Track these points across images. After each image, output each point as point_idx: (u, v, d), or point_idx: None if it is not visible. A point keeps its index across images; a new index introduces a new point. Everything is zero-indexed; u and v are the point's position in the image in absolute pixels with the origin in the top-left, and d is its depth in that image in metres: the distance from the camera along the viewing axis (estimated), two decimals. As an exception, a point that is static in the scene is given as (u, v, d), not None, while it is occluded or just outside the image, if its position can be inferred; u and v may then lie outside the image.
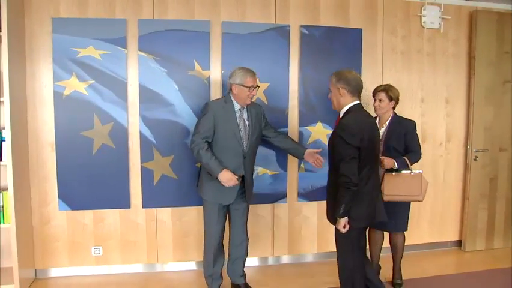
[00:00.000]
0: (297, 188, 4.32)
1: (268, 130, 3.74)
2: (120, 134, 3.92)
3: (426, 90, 4.60)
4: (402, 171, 3.60)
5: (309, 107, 4.24)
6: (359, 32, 4.32)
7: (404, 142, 3.67)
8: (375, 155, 3.14)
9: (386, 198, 3.57)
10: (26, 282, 3.77)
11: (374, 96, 3.76)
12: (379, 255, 4.00)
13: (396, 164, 3.56)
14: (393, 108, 3.74)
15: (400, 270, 3.94)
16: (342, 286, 3.19)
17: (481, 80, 4.61)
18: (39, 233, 3.95)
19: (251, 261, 4.24)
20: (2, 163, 3.50)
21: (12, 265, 3.56)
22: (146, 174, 4.00)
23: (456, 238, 4.89)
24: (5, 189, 3.55)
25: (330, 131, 3.80)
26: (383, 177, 3.59)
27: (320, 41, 4.21)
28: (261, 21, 4.10)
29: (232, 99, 3.44)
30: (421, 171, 3.66)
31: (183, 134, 3.99)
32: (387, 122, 3.71)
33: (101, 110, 3.87)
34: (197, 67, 3.98)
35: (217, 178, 3.34)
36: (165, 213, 4.13)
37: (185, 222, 4.17)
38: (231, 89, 3.43)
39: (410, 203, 3.77)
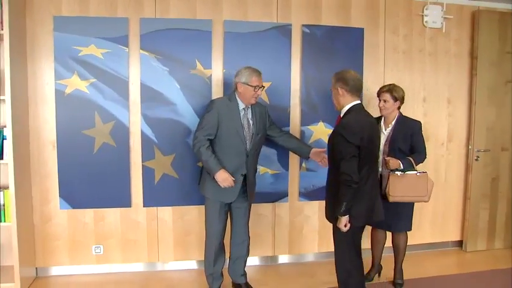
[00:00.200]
0: (298, 187, 4.32)
1: (273, 130, 3.74)
2: (121, 132, 3.92)
3: (428, 90, 4.59)
4: (408, 172, 3.59)
5: (311, 107, 4.23)
6: (360, 31, 4.31)
7: (410, 143, 3.66)
8: (375, 154, 3.15)
9: (391, 199, 3.57)
10: (26, 281, 3.77)
11: (378, 96, 3.74)
12: (381, 255, 4.00)
13: (401, 164, 3.56)
14: (399, 108, 3.73)
15: (401, 270, 3.93)
16: (340, 286, 3.19)
17: (482, 80, 4.60)
18: (40, 232, 3.95)
19: (252, 261, 4.23)
20: (3, 161, 3.50)
21: (13, 263, 3.56)
22: (147, 173, 4.00)
23: (457, 238, 4.88)
24: (6, 187, 3.55)
25: (331, 131, 3.79)
26: (388, 178, 3.59)
27: (321, 40, 4.21)
28: (263, 20, 4.10)
29: (237, 97, 3.44)
30: (426, 172, 3.65)
31: (184, 133, 3.99)
32: (393, 123, 3.69)
33: (103, 108, 3.86)
34: (199, 66, 3.97)
35: (214, 177, 3.35)
36: (166, 212, 4.13)
37: (186, 221, 4.17)
38: (236, 88, 3.42)
39: (413, 203, 3.76)
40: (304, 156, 3.82)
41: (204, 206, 3.64)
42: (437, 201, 4.66)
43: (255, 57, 4.00)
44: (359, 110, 3.03)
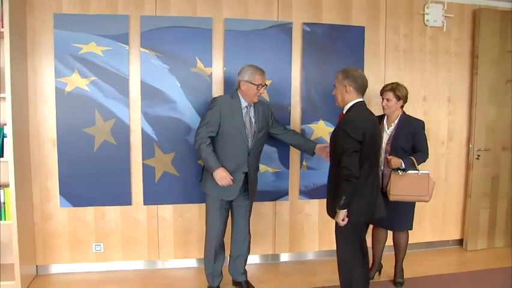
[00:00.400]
0: (299, 185, 4.32)
1: (276, 128, 3.73)
2: (122, 130, 3.92)
3: (428, 89, 4.59)
4: (409, 171, 3.59)
5: (311, 105, 4.23)
6: (361, 29, 4.31)
7: (412, 142, 3.66)
8: (376, 152, 3.15)
9: (392, 198, 3.57)
10: (27, 279, 3.77)
11: (381, 95, 3.74)
12: (381, 254, 4.00)
13: (403, 164, 3.55)
14: (402, 107, 3.73)
15: (402, 269, 3.93)
16: (341, 283, 3.19)
17: (483, 79, 4.60)
18: (40, 230, 3.95)
19: (252, 259, 4.24)
20: (3, 159, 3.50)
21: (13, 261, 3.56)
22: (147, 171, 4.00)
23: (458, 237, 4.89)
24: (7, 185, 3.55)
25: (332, 129, 3.79)
26: (389, 177, 3.59)
27: (322, 39, 4.20)
28: (264, 18, 4.10)
29: (240, 95, 3.44)
30: (428, 172, 3.65)
31: (185, 131, 3.99)
32: (396, 122, 3.69)
33: (103, 106, 3.86)
34: (199, 64, 3.97)
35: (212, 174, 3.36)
36: (166, 210, 4.13)
37: (187, 219, 4.16)
38: (239, 86, 3.42)
39: (415, 202, 3.76)
40: (309, 152, 3.79)
41: (204, 204, 3.63)
42: (437, 200, 4.66)
43: (255, 55, 3.99)
44: (361, 107, 3.05)
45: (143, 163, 3.98)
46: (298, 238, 4.42)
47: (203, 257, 3.67)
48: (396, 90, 3.64)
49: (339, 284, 3.22)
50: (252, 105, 3.47)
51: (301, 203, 4.38)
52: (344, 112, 3.09)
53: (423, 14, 4.48)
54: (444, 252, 4.75)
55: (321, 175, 4.16)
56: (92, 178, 3.91)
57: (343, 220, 2.94)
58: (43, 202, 3.92)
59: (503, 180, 4.80)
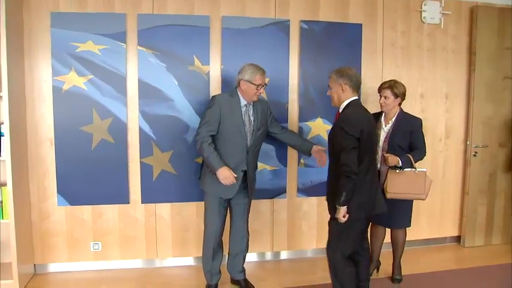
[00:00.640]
0: (297, 183, 4.32)
1: (274, 127, 3.73)
2: (119, 129, 3.91)
3: (426, 86, 4.59)
4: (406, 169, 3.59)
5: (309, 102, 4.23)
6: (358, 27, 4.31)
7: (410, 140, 3.66)
8: (373, 149, 3.22)
9: (389, 195, 3.57)
10: (25, 278, 3.76)
11: (379, 92, 3.73)
12: (380, 251, 4.01)
13: (400, 161, 3.55)
14: (400, 104, 3.72)
15: (400, 265, 3.94)
16: (333, 282, 3.22)
17: (481, 76, 4.60)
18: (38, 229, 3.94)
19: (250, 257, 4.23)
20: (0, 158, 3.49)
21: (11, 260, 3.56)
22: (145, 170, 3.99)
23: (455, 234, 4.90)
24: (4, 184, 3.54)
25: (329, 127, 3.78)
26: (386, 175, 3.60)
27: (319, 36, 4.20)
28: (261, 16, 4.09)
29: (239, 94, 3.43)
30: (425, 170, 3.65)
31: (182, 129, 3.98)
32: (393, 119, 3.69)
33: (101, 105, 3.85)
34: (197, 62, 3.96)
35: (215, 174, 3.35)
36: (164, 209, 4.12)
37: (185, 217, 4.16)
38: (238, 84, 3.41)
39: (412, 199, 3.76)
40: (306, 153, 3.81)
41: (202, 202, 3.63)
42: (435, 197, 4.66)
43: (253, 53, 3.99)
44: (357, 105, 3.10)
45: (141, 161, 3.98)
46: (297, 236, 4.43)
47: (201, 255, 3.66)
48: (394, 88, 3.64)
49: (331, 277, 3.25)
50: (251, 103, 3.47)
51: (299, 201, 4.38)
52: (340, 111, 3.12)
53: (421, 11, 4.48)
54: (441, 249, 4.76)
55: (319, 173, 4.17)
56: (89, 177, 3.90)
57: (344, 217, 2.95)
58: (41, 201, 3.92)
59: (501, 177, 4.81)
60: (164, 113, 3.95)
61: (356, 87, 3.10)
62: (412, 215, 3.84)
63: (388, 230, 3.93)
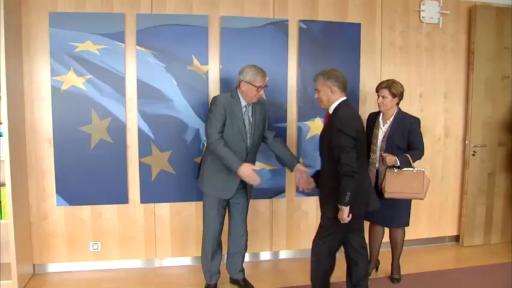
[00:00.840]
0: (296, 183, 4.31)
1: (268, 133, 3.67)
2: (118, 129, 3.91)
3: (424, 86, 4.59)
4: (404, 169, 3.59)
5: (308, 102, 4.23)
6: (357, 26, 4.31)
7: (408, 139, 3.66)
8: (365, 147, 3.27)
9: (387, 195, 3.58)
10: (24, 278, 3.76)
11: (377, 92, 3.72)
12: (378, 251, 4.01)
13: (398, 161, 3.55)
14: (398, 104, 3.72)
15: (399, 265, 3.95)
16: (313, 275, 3.28)
17: (479, 75, 4.60)
18: (37, 229, 3.94)
19: (250, 257, 4.25)
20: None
21: (10, 261, 3.56)
22: (144, 170, 3.99)
23: (454, 233, 4.90)
24: (3, 184, 3.54)
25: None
26: (384, 174, 3.60)
27: (318, 36, 4.20)
28: (260, 16, 4.09)
29: (239, 95, 3.42)
30: (424, 169, 3.66)
31: (181, 129, 3.98)
32: (391, 119, 3.69)
33: (99, 105, 3.85)
34: (195, 62, 3.96)
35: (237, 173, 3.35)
36: (163, 209, 4.12)
37: (184, 217, 4.16)
38: (239, 85, 3.40)
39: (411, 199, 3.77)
40: (289, 167, 3.68)
41: (201, 202, 3.62)
42: (434, 197, 4.67)
43: (251, 53, 3.99)
44: (348, 105, 3.14)
45: (139, 161, 3.98)
46: (296, 235, 4.43)
47: (200, 255, 3.67)
48: (391, 87, 3.63)
49: (337, 281, 3.27)
50: (250, 104, 3.46)
51: (298, 200, 4.38)
52: (331, 112, 3.16)
53: (419, 11, 4.48)
54: (440, 249, 4.76)
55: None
56: (88, 177, 3.90)
57: (348, 216, 2.99)
58: (40, 201, 3.92)
59: (500, 176, 4.82)
60: (163, 112, 3.95)
61: (344, 87, 3.15)
62: (411, 215, 3.85)
63: (387, 230, 3.93)
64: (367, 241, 3.99)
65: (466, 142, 4.71)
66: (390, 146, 3.64)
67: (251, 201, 3.77)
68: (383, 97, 3.66)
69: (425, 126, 4.48)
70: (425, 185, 3.65)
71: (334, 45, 4.24)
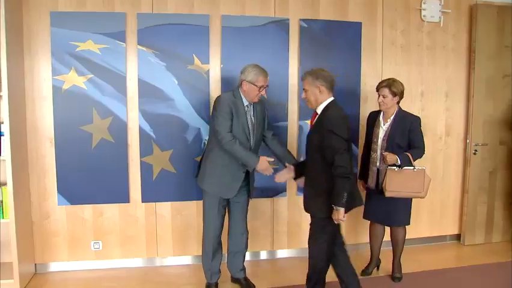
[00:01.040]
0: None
1: (267, 131, 3.68)
2: (119, 128, 3.92)
3: (425, 84, 4.59)
4: (405, 167, 3.59)
5: (309, 101, 4.22)
6: (358, 25, 4.31)
7: (408, 138, 3.66)
8: (351, 146, 3.28)
9: (388, 194, 3.59)
10: (25, 277, 3.77)
11: (377, 91, 3.72)
12: (379, 250, 4.01)
13: (399, 160, 3.55)
14: (398, 103, 3.72)
15: (400, 264, 3.95)
16: (315, 274, 3.31)
17: (480, 74, 4.60)
18: (38, 228, 3.95)
19: (251, 255, 4.25)
20: (1, 158, 3.49)
21: (11, 260, 3.56)
22: (145, 169, 4.00)
23: (455, 232, 4.90)
24: (4, 184, 3.54)
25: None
26: (385, 173, 3.60)
27: (319, 35, 4.20)
28: (261, 15, 4.09)
29: (241, 94, 3.42)
30: (424, 168, 3.65)
31: (182, 128, 3.99)
32: (392, 118, 3.69)
33: (100, 104, 3.85)
34: (196, 61, 3.96)
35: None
36: (164, 208, 4.13)
37: (185, 216, 4.17)
38: (241, 85, 3.40)
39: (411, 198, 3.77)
40: (285, 164, 3.65)
41: (202, 201, 3.63)
42: (435, 195, 4.67)
43: (252, 52, 3.99)
44: (336, 106, 3.16)
45: (141, 161, 3.98)
46: (297, 234, 4.43)
47: (201, 254, 3.67)
48: (392, 86, 3.63)
49: (336, 279, 3.31)
50: (252, 103, 3.46)
51: (299, 199, 4.33)
52: (319, 112, 3.17)
53: (420, 10, 4.48)
54: (442, 247, 4.77)
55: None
56: (90, 176, 3.91)
57: (344, 217, 2.99)
58: (41, 200, 3.92)
59: (501, 175, 4.81)
60: (164, 112, 3.95)
61: (331, 87, 3.17)
62: (412, 213, 3.85)
63: (387, 229, 3.93)
64: (367, 240, 4.02)
65: (467, 141, 4.71)
66: (391, 144, 3.64)
67: (252, 200, 3.77)
68: (384, 96, 3.66)
69: (426, 124, 4.48)
70: (426, 183, 3.65)
71: (335, 44, 4.23)
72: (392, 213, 3.74)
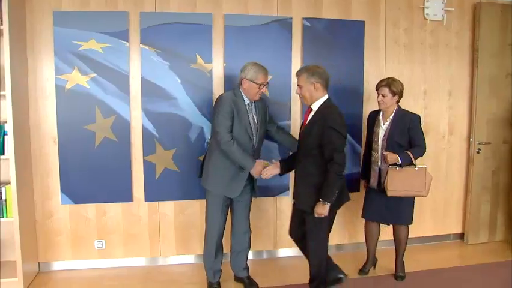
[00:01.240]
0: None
1: (271, 125, 3.70)
2: (122, 127, 3.92)
3: (429, 83, 4.58)
4: (406, 166, 3.59)
5: (312, 100, 4.22)
6: (361, 24, 4.30)
7: (408, 136, 3.65)
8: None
9: (389, 193, 3.58)
10: (29, 276, 3.78)
11: (377, 90, 3.72)
12: (375, 248, 4.01)
13: (399, 159, 3.54)
14: (397, 102, 3.71)
15: (403, 263, 3.94)
16: (317, 271, 3.34)
17: (484, 73, 4.59)
18: (42, 227, 3.96)
19: (254, 254, 4.26)
20: (4, 157, 3.50)
21: (15, 259, 3.57)
22: (148, 168, 4.00)
23: (459, 231, 4.89)
24: (8, 183, 3.55)
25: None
26: (386, 173, 3.59)
27: (322, 34, 4.20)
28: (263, 14, 4.09)
29: (242, 93, 3.41)
30: (425, 166, 3.65)
31: (185, 127, 3.99)
32: (391, 117, 3.68)
33: (103, 103, 3.86)
34: (199, 60, 3.97)
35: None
36: (167, 207, 4.13)
37: (188, 215, 4.17)
38: (241, 83, 3.40)
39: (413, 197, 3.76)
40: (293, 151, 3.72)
41: (205, 200, 3.63)
42: (438, 194, 4.67)
43: (255, 51, 3.99)
44: (332, 104, 3.19)
45: (144, 159, 3.99)
46: (300, 233, 4.43)
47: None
48: (391, 86, 3.63)
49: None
50: (253, 102, 3.46)
51: (302, 198, 4.38)
52: (315, 109, 3.19)
53: (424, 8, 4.47)
54: (445, 246, 4.76)
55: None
56: (93, 175, 3.91)
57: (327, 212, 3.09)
58: (44, 199, 3.93)
59: (504, 174, 4.80)
60: (167, 111, 3.96)
61: (327, 84, 3.19)
62: (415, 212, 3.84)
63: (382, 227, 3.94)
64: (363, 239, 4.03)
65: (471, 139, 4.70)
66: (391, 144, 3.63)
67: (255, 199, 3.76)
68: (383, 95, 3.66)
69: (429, 123, 4.48)
70: (427, 182, 3.64)
71: (338, 42, 4.23)
72: (395, 212, 3.74)
